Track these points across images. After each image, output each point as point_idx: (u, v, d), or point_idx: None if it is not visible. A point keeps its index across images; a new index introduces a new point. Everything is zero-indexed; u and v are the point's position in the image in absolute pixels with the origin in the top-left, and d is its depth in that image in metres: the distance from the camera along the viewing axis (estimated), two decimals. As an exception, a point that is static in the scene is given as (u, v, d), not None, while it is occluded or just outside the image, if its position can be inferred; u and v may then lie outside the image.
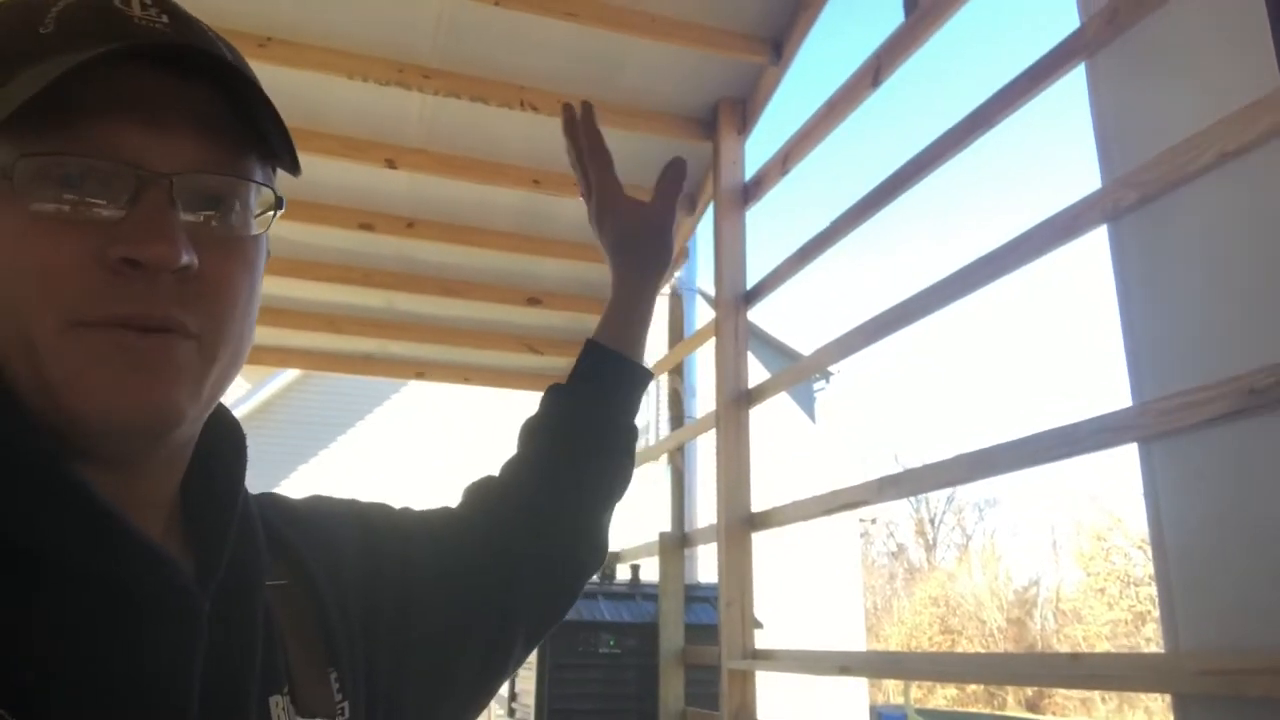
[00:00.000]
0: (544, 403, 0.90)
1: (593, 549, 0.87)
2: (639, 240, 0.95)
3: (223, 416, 0.60)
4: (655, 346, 4.56)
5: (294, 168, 0.57)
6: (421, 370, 5.03)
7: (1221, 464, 1.56)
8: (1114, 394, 1.80)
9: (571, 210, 3.88)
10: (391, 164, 3.42)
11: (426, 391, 10.52)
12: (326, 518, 0.68)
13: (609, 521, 0.89)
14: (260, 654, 0.54)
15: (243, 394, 11.10)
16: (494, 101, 3.17)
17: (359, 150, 3.36)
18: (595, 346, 0.92)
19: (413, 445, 10.98)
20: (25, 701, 0.44)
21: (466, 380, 5.12)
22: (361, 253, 4.01)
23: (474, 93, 3.14)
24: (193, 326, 0.50)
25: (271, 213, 0.56)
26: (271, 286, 4.07)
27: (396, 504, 0.78)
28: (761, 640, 3.11)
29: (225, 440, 0.59)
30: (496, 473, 0.86)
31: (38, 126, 0.47)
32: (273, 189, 0.56)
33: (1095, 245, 1.88)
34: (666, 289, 4.45)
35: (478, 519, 0.80)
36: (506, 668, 0.76)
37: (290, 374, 11.08)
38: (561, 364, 5.08)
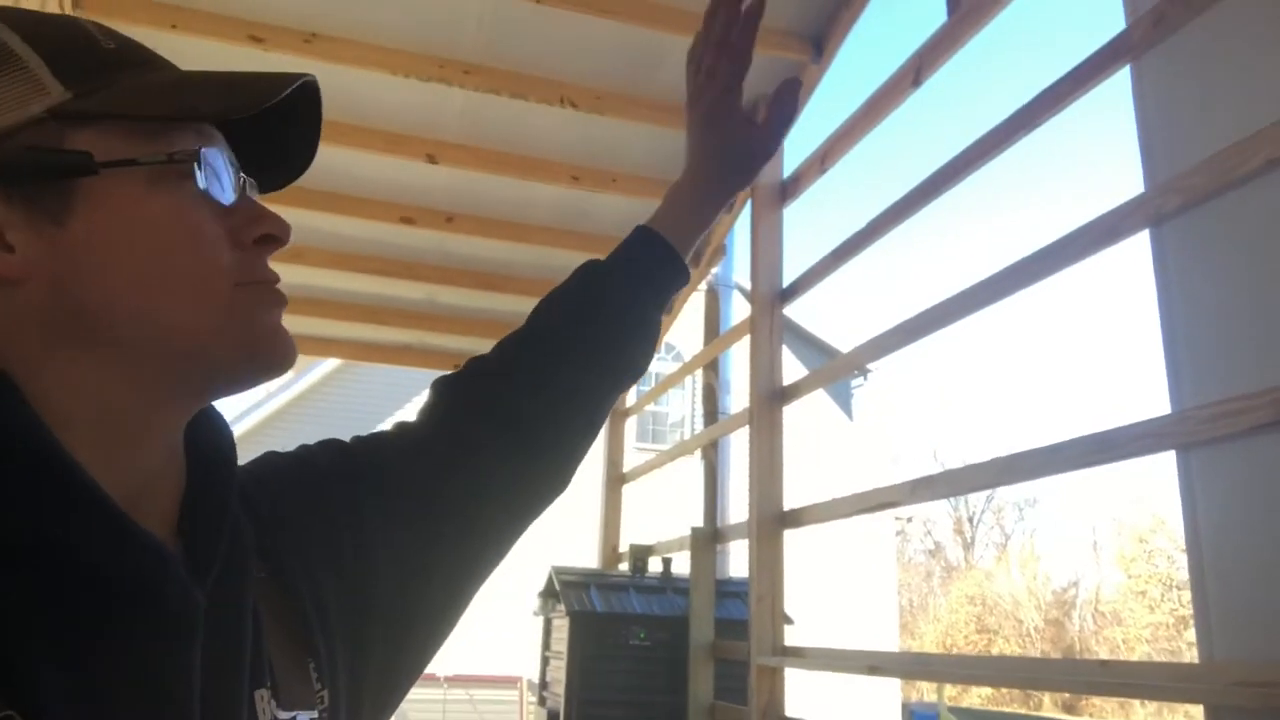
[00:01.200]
0: (576, 274, 0.86)
1: (588, 428, 0.83)
2: (737, 155, 0.92)
3: (212, 414, 0.62)
4: (692, 341, 4.56)
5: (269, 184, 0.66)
6: (458, 362, 5.02)
7: (1261, 474, 1.54)
8: (1154, 400, 1.78)
9: (609, 205, 3.90)
10: (432, 159, 3.46)
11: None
12: (283, 493, 0.67)
13: (605, 413, 0.85)
14: (249, 649, 0.55)
15: (285, 382, 11.29)
16: (533, 98, 3.19)
17: (400, 145, 3.41)
18: (649, 232, 0.89)
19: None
20: (31, 701, 0.44)
21: (503, 372, 5.15)
22: (402, 246, 4.07)
23: (514, 89, 3.17)
24: None
25: None
26: (314, 277, 4.14)
27: (354, 437, 0.76)
28: (792, 636, 3.12)
29: (217, 438, 0.61)
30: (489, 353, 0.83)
31: (179, 126, 0.55)
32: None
33: (1138, 249, 1.86)
34: (703, 285, 4.45)
35: (444, 419, 0.78)
36: (476, 572, 0.74)
37: (330, 364, 11.26)
38: (597, 357, 5.11)
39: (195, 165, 0.54)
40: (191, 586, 0.51)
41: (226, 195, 0.57)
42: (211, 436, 0.61)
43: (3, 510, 0.46)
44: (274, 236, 0.58)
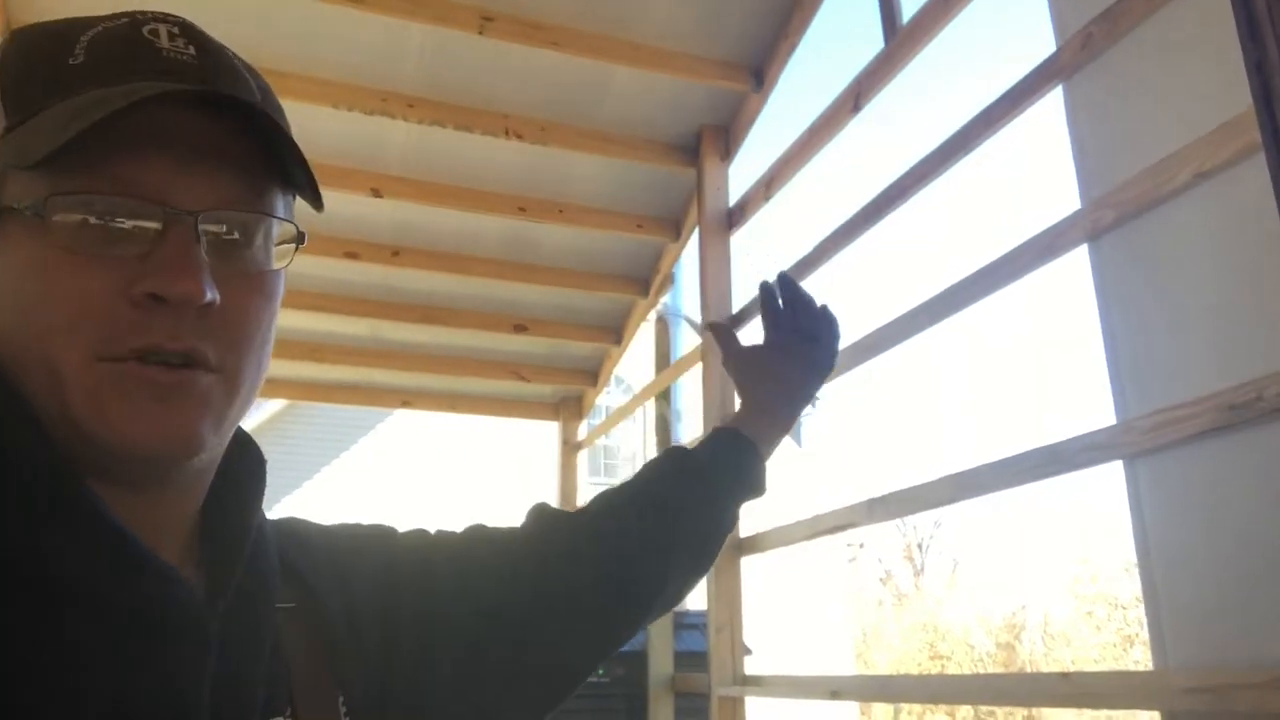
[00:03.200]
0: (668, 461, 0.90)
1: (643, 616, 0.83)
2: (799, 389, 1.00)
3: (243, 440, 0.61)
4: (643, 371, 4.55)
5: (317, 202, 0.57)
6: (408, 399, 5.01)
7: (1204, 479, 1.57)
8: (1098, 412, 1.82)
9: (556, 236, 3.90)
10: (376, 193, 3.42)
11: (413, 420, 10.47)
12: (346, 544, 0.68)
13: (659, 613, 0.87)
14: (264, 676, 0.54)
15: (226, 425, 11.00)
16: (478, 129, 3.18)
17: (344, 179, 3.37)
18: (741, 438, 0.93)
19: (399, 474, 10.91)
20: (27, 718, 0.44)
21: (453, 408, 5.10)
22: (346, 281, 4.00)
23: (458, 121, 3.16)
24: (214, 359, 0.51)
25: (292, 245, 0.57)
26: (255, 316, 4.05)
27: (439, 529, 0.76)
28: (750, 668, 3.10)
29: (244, 464, 0.60)
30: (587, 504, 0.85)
31: (67, 163, 0.48)
32: (294, 223, 0.57)
33: (1076, 265, 1.91)
34: (653, 314, 4.47)
35: (537, 542, 0.78)
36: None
37: (275, 405, 11.02)
38: (548, 390, 5.08)
39: (39, 215, 0.48)
40: (203, 610, 0.51)
41: (116, 245, 0.49)
42: (242, 460, 0.60)
43: (6, 531, 0.46)
44: (157, 296, 0.49)
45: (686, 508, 0.86)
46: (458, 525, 0.79)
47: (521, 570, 0.75)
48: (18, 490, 0.47)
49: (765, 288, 1.01)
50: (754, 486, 0.93)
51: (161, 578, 0.49)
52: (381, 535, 0.72)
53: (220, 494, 0.58)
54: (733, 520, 0.91)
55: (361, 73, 3.02)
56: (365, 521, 0.73)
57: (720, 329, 1.07)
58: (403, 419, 10.71)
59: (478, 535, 0.77)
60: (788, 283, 1.00)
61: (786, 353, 0.99)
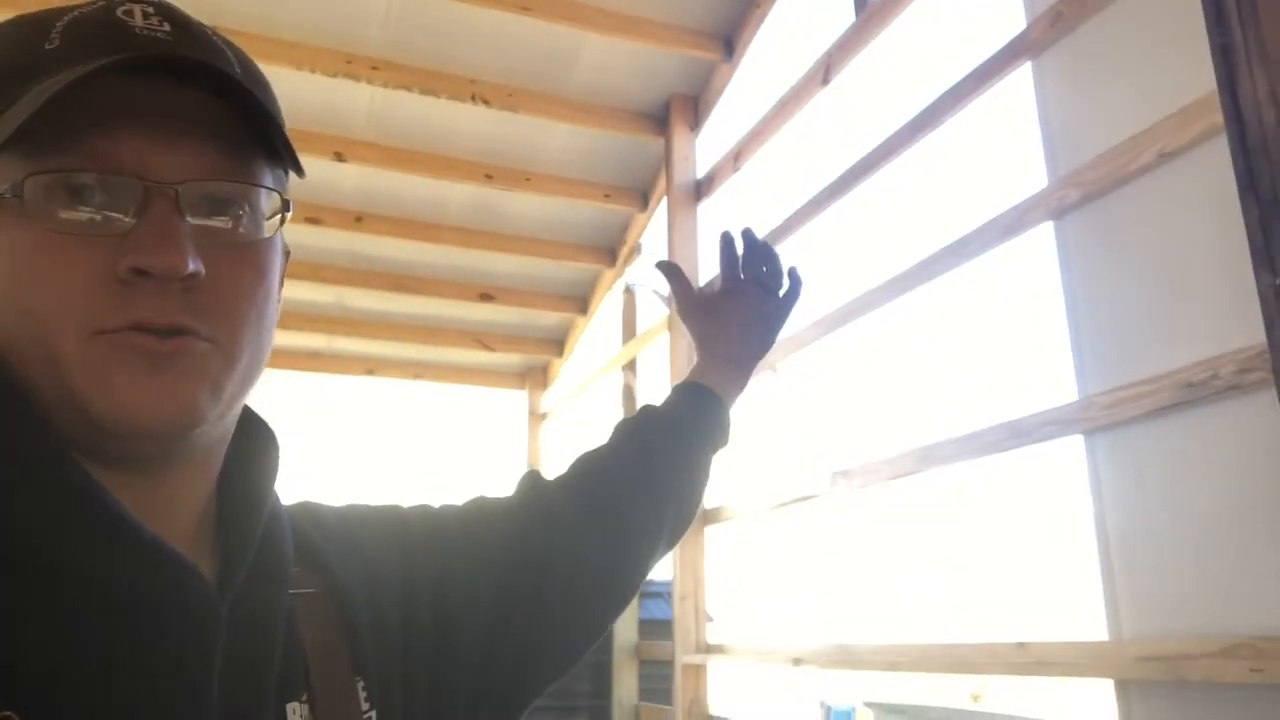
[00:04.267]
0: (640, 419, 0.91)
1: (639, 570, 0.84)
2: (756, 337, 1.00)
3: (255, 422, 0.60)
4: (609, 343, 4.55)
5: (297, 170, 0.57)
6: (371, 367, 4.97)
7: (1161, 455, 1.60)
8: (1060, 388, 1.85)
9: (523, 205, 3.86)
10: (340, 157, 3.36)
11: (377, 389, 10.38)
12: (362, 527, 0.67)
13: (658, 559, 0.88)
14: (278, 661, 0.54)
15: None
16: (444, 94, 3.13)
17: (306, 143, 3.30)
18: (704, 389, 0.95)
19: (363, 443, 10.83)
20: (37, 706, 0.44)
21: (418, 377, 5.07)
22: (309, 247, 3.94)
23: (424, 85, 3.10)
24: (205, 331, 0.51)
25: (279, 216, 0.56)
26: (216, 282, 3.98)
27: (438, 504, 0.76)
28: (713, 636, 3.13)
29: (255, 445, 0.59)
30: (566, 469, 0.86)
31: (43, 142, 0.48)
32: (280, 192, 0.56)
33: (1041, 242, 1.92)
34: (621, 285, 4.45)
35: (534, 504, 0.78)
36: (537, 683, 0.74)
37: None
38: (514, 360, 5.05)
39: (18, 197, 0.48)
40: (211, 595, 0.50)
41: (98, 222, 0.49)
42: (252, 442, 0.59)
43: (9, 519, 0.46)
44: (140, 270, 0.48)
45: (664, 461, 0.88)
46: (433, 500, 0.78)
47: (529, 539, 0.75)
48: (14, 476, 0.47)
49: (725, 236, 1.00)
50: (722, 436, 0.95)
51: (164, 562, 0.49)
52: (394, 516, 0.71)
53: (231, 477, 0.57)
54: (707, 471, 0.93)
55: (325, 34, 2.95)
56: (369, 502, 0.73)
57: (673, 270, 1.04)
58: (367, 387, 10.62)
59: (481, 507, 0.77)
60: (750, 234, 1.00)
61: (741, 300, 0.99)
